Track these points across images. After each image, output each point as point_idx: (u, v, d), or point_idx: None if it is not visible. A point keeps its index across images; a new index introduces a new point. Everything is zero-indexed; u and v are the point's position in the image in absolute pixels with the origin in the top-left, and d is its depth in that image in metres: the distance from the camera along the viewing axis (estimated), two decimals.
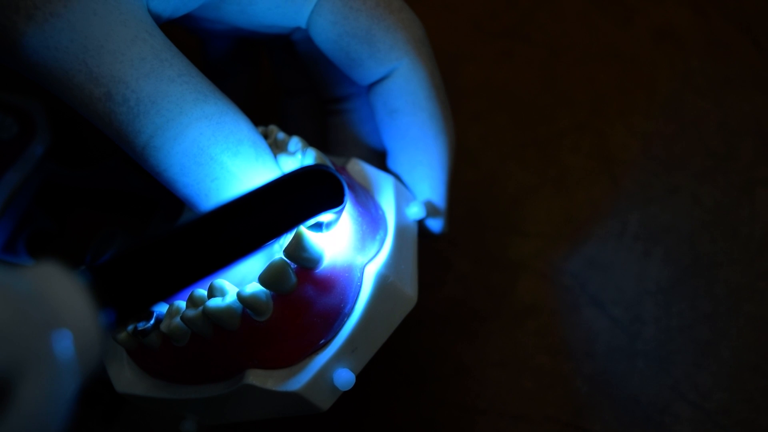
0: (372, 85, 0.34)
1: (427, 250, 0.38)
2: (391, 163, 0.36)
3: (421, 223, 0.35)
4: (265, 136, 0.33)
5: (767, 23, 0.48)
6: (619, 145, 0.45)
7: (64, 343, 0.19)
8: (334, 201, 0.27)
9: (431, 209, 0.35)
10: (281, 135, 0.32)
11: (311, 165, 0.27)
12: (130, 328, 0.30)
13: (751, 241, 0.42)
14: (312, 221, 0.27)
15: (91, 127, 0.38)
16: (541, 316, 0.41)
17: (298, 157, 0.30)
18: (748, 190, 0.43)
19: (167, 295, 0.23)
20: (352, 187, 0.30)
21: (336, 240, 0.28)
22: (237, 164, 0.28)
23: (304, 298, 0.28)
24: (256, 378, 0.28)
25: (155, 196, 0.43)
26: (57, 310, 0.20)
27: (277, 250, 0.30)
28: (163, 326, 0.29)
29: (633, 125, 0.46)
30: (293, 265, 0.27)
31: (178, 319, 0.28)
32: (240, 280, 0.29)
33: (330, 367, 0.29)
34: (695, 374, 0.39)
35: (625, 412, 0.39)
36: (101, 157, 0.44)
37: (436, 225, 0.35)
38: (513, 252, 0.43)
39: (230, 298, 0.28)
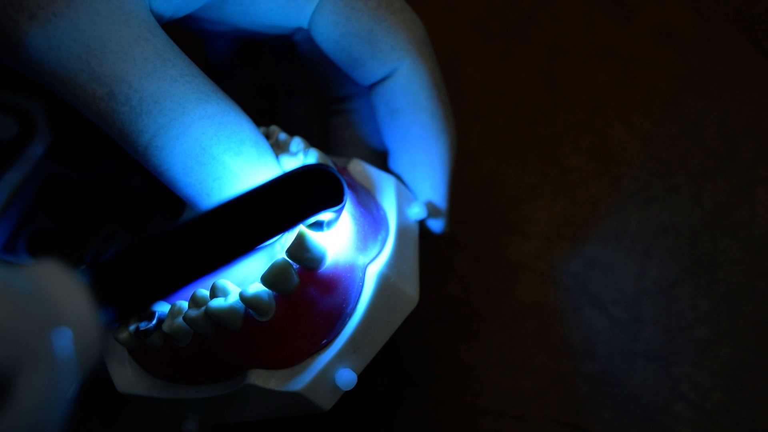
0: (373, 86, 0.34)
1: (428, 249, 0.38)
2: (392, 163, 0.36)
3: (422, 223, 0.35)
4: (267, 137, 0.33)
5: (767, 23, 0.48)
6: (619, 145, 0.45)
7: (64, 341, 0.19)
8: (333, 200, 0.27)
9: (432, 209, 0.35)
10: (283, 135, 0.32)
11: (311, 164, 0.27)
12: (132, 328, 0.30)
13: (751, 241, 0.42)
14: (312, 220, 0.27)
15: (89, 129, 0.38)
16: (541, 316, 0.41)
17: (299, 158, 0.30)
18: (748, 190, 0.44)
19: (167, 294, 0.23)
20: (353, 188, 0.30)
21: (338, 240, 0.28)
22: (239, 164, 0.28)
23: (306, 299, 0.28)
24: (258, 378, 0.28)
25: (156, 197, 0.43)
26: (57, 308, 0.20)
27: (279, 250, 0.30)
28: (165, 326, 0.29)
29: (633, 125, 0.46)
30: (295, 266, 0.27)
31: (180, 320, 0.28)
32: (242, 281, 0.29)
33: (332, 367, 0.29)
34: (695, 374, 0.40)
35: (625, 412, 0.39)
36: (100, 158, 0.44)
37: (437, 225, 0.35)
38: (513, 252, 0.43)
39: (232, 298, 0.28)
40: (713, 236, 0.43)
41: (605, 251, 0.43)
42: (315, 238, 0.27)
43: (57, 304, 0.19)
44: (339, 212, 0.27)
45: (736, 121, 0.45)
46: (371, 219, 0.30)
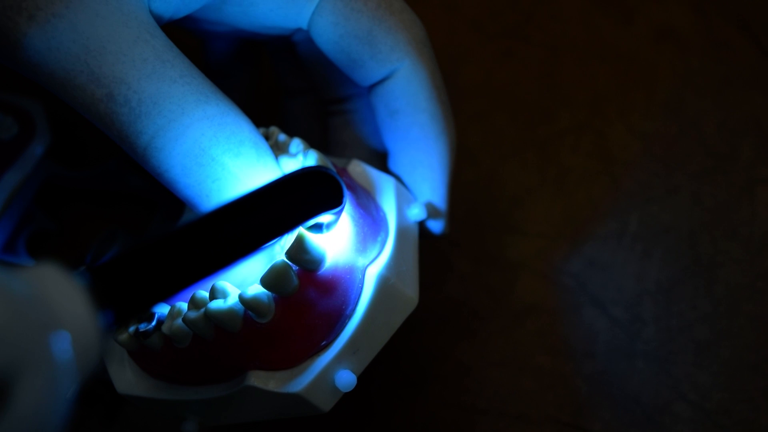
0: (373, 86, 0.34)
1: (427, 250, 0.38)
2: (392, 164, 0.36)
3: (421, 224, 0.35)
4: (266, 138, 0.33)
5: (767, 23, 0.48)
6: (619, 145, 0.45)
7: (63, 345, 0.19)
8: (333, 202, 0.27)
9: (432, 210, 0.35)
10: (282, 137, 0.32)
11: (310, 166, 0.27)
12: (132, 329, 0.30)
13: (751, 241, 0.42)
14: (311, 222, 0.27)
15: (89, 129, 0.38)
16: (541, 316, 0.41)
17: (299, 159, 0.30)
18: (748, 190, 0.44)
19: (166, 297, 0.23)
20: (352, 189, 0.30)
21: (337, 242, 0.28)
22: (238, 165, 0.28)
23: (305, 300, 0.28)
24: (258, 379, 0.28)
25: (156, 197, 0.43)
26: (55, 312, 0.19)
27: (279, 252, 0.30)
28: (164, 328, 0.29)
29: (633, 125, 0.46)
30: (295, 267, 0.27)
31: (179, 321, 0.28)
32: (241, 282, 0.29)
33: (331, 368, 0.29)
34: (695, 374, 0.39)
35: (625, 412, 0.39)
36: (100, 158, 0.44)
37: (436, 226, 0.35)
38: (513, 252, 0.43)
39: (232, 300, 0.28)
40: (713, 236, 0.43)
41: (605, 251, 0.43)
42: (314, 239, 0.27)
43: (56, 307, 0.19)
44: (338, 214, 0.27)
45: (736, 121, 0.45)
46: (371, 220, 0.30)
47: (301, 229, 0.27)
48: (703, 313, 0.41)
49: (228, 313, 0.27)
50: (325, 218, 0.27)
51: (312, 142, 0.32)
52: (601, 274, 0.42)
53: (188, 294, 0.28)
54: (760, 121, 0.45)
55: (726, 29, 0.48)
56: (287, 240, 0.28)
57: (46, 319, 0.19)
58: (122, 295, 0.22)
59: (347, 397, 0.30)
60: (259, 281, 0.27)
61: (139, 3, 0.29)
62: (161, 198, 0.43)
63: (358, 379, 0.29)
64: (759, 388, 0.39)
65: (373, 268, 0.30)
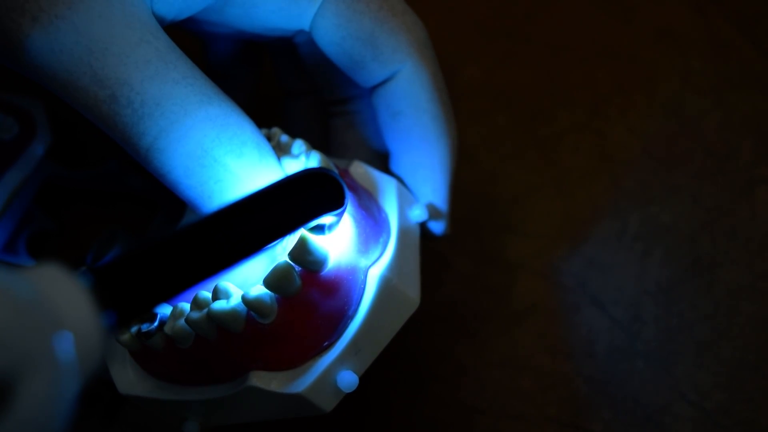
0: (375, 88, 0.34)
1: (427, 250, 0.38)
2: (394, 165, 0.36)
3: (422, 225, 0.35)
4: (268, 139, 0.33)
5: (767, 23, 0.48)
6: (619, 145, 0.45)
7: (65, 346, 0.19)
8: (334, 203, 0.27)
9: (433, 211, 0.35)
10: (285, 138, 0.32)
11: (312, 168, 0.27)
12: (134, 329, 0.30)
13: (751, 241, 0.42)
14: (313, 224, 0.27)
15: (89, 130, 0.38)
16: (541, 316, 0.41)
17: (301, 160, 0.30)
18: (748, 190, 0.44)
19: (168, 298, 0.23)
20: (354, 190, 0.30)
21: (340, 243, 0.29)
22: (241, 166, 0.28)
23: (308, 301, 0.28)
24: (260, 380, 0.28)
25: (156, 198, 0.43)
26: (58, 313, 0.19)
27: (281, 253, 0.30)
28: (166, 328, 0.29)
29: (633, 125, 0.46)
30: (298, 268, 0.28)
31: (182, 322, 0.28)
32: (244, 283, 0.29)
33: (334, 369, 0.29)
34: (695, 374, 0.40)
35: (625, 412, 0.39)
36: (100, 158, 0.44)
37: (438, 227, 0.35)
38: (513, 252, 0.43)
39: (235, 300, 0.28)
40: (713, 236, 0.43)
41: (605, 251, 0.43)
42: (317, 241, 0.27)
43: (58, 308, 0.19)
44: (340, 216, 0.27)
45: (736, 121, 0.45)
46: (372, 222, 0.30)
47: (303, 231, 0.27)
48: (703, 313, 0.41)
49: (231, 314, 0.27)
50: (327, 219, 0.27)
51: (313, 143, 0.32)
52: (601, 274, 0.42)
53: (191, 294, 0.28)
54: (760, 121, 0.45)
55: (726, 29, 0.48)
56: (290, 241, 0.28)
57: (49, 320, 0.19)
58: (125, 296, 0.22)
59: (346, 398, 0.30)
60: (261, 282, 0.27)
61: (142, 5, 0.29)
62: (162, 198, 0.43)
63: (359, 379, 0.29)
64: (759, 388, 0.39)
65: (375, 269, 0.30)
